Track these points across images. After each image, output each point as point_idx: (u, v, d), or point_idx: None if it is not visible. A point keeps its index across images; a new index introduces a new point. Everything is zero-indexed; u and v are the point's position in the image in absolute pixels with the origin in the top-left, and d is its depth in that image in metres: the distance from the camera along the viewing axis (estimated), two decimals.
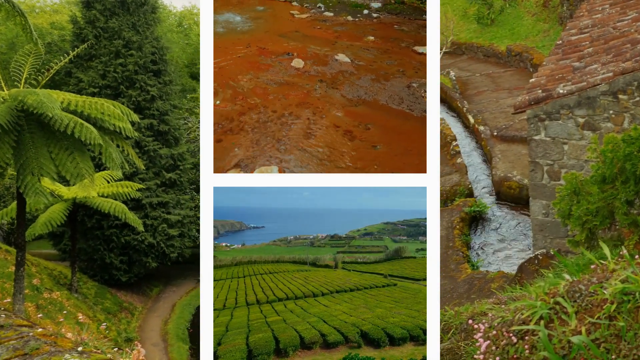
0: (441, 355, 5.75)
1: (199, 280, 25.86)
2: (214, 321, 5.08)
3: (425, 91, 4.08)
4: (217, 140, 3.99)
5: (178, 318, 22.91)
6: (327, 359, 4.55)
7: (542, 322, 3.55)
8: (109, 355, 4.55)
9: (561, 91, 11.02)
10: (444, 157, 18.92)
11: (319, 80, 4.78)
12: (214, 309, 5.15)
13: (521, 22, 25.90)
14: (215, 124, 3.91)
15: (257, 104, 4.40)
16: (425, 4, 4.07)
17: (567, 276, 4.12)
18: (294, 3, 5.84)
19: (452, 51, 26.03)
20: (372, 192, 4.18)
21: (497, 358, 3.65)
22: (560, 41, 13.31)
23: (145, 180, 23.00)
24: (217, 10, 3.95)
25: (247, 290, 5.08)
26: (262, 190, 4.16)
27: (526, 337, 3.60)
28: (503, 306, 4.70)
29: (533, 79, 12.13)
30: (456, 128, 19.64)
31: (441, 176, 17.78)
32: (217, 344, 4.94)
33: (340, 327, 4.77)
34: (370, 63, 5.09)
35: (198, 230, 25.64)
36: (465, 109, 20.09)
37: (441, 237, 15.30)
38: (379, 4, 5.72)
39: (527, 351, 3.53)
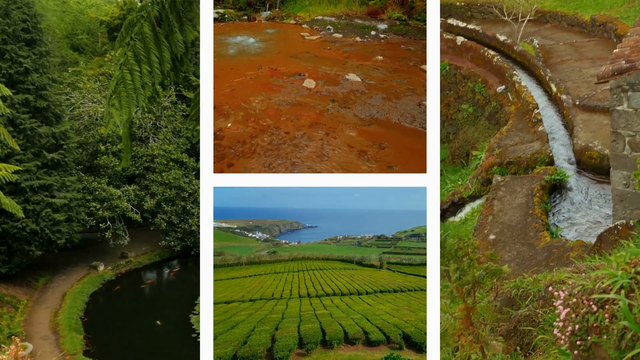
0: (518, 321, 5.32)
1: (91, 266, 22.85)
2: (272, 309, 4.92)
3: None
4: (228, 165, 3.70)
5: (70, 308, 19.91)
6: (369, 356, 4.27)
7: (622, 291, 3.32)
8: None
9: None
10: (525, 125, 17.62)
11: (331, 100, 4.36)
12: (273, 298, 4.95)
13: None
14: (227, 147, 3.63)
15: (269, 125, 4.06)
16: None
17: None
18: (304, 25, 5.47)
19: (536, 19, 23.86)
20: (422, 194, 3.74)
21: (577, 326, 3.45)
22: None
23: (23, 162, 19.56)
24: (229, 33, 3.64)
25: (300, 283, 4.88)
26: (317, 191, 3.87)
27: (606, 306, 3.37)
28: (582, 275, 4.27)
29: (617, 50, 10.94)
30: (538, 96, 18.09)
31: (522, 144, 16.58)
32: (275, 328, 4.81)
33: (382, 326, 4.48)
34: (381, 82, 4.59)
35: (87, 214, 22.85)
36: (547, 77, 18.50)
37: (520, 204, 14.33)
38: (385, 26, 5.25)
39: (607, 320, 3.32)
